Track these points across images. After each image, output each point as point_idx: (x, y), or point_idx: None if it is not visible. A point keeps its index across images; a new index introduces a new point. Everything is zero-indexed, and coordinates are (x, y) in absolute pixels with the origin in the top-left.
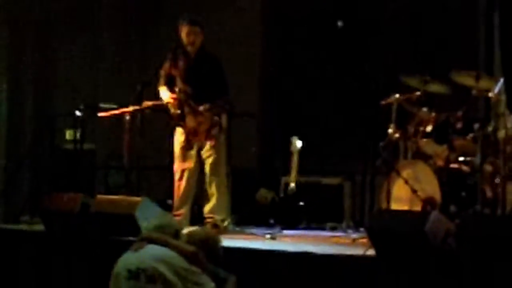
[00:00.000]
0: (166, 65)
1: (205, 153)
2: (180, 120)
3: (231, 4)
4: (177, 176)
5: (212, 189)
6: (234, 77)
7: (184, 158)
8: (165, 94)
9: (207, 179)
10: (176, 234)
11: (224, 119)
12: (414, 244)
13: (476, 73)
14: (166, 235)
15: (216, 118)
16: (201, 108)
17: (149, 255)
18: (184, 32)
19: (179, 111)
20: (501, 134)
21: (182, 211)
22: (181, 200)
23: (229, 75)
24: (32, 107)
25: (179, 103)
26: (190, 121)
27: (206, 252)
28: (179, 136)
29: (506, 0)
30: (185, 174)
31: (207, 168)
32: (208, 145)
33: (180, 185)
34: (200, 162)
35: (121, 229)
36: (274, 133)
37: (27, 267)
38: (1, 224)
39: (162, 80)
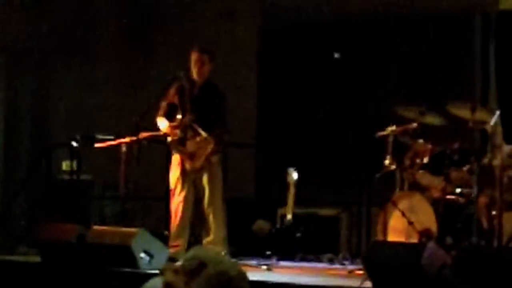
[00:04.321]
0: (170, 93)
1: (201, 185)
2: (180, 144)
3: (227, 36)
4: (173, 208)
5: (210, 222)
6: (232, 108)
7: (181, 190)
8: (163, 124)
9: (205, 212)
10: (200, 266)
11: (220, 148)
12: (411, 276)
13: (472, 104)
14: (172, 267)
15: (217, 146)
16: (204, 134)
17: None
18: (193, 59)
19: (181, 135)
20: (498, 166)
21: (179, 242)
22: (177, 231)
23: (227, 105)
24: (28, 137)
25: (183, 127)
26: (190, 146)
27: None
28: (175, 168)
29: (502, 32)
30: (181, 206)
31: (204, 200)
32: (204, 177)
33: (176, 217)
34: (197, 193)
35: (117, 260)
36: (271, 164)
37: None
38: None
39: (161, 111)
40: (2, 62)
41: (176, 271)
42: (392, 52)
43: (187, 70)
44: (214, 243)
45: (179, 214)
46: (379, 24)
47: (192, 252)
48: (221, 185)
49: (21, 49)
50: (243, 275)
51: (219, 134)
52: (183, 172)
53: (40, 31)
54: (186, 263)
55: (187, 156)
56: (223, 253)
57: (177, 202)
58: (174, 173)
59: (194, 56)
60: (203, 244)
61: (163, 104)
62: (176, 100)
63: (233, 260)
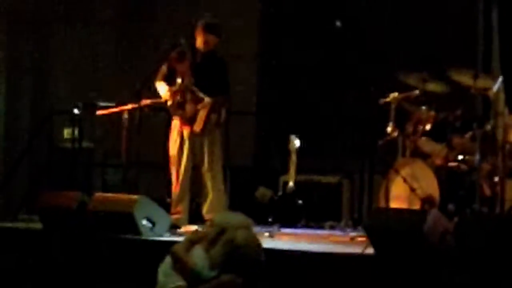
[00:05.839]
0: (171, 58)
1: (200, 151)
2: (179, 108)
3: (228, 3)
4: (173, 174)
5: (209, 188)
6: (232, 76)
7: (180, 156)
8: (163, 88)
9: (204, 178)
10: (219, 233)
11: (223, 113)
12: (413, 243)
13: (474, 71)
14: (189, 239)
15: (216, 106)
16: (203, 96)
17: None
18: (200, 36)
19: (180, 99)
20: (500, 132)
21: (180, 208)
22: (178, 198)
23: (229, 74)
24: (30, 105)
25: (183, 91)
26: (189, 109)
27: (229, 258)
28: (174, 134)
29: None
30: (181, 172)
31: (203, 166)
32: (204, 143)
33: (177, 184)
34: (195, 159)
35: (119, 227)
36: (272, 131)
37: (24, 265)
38: None
39: (160, 75)
40: (3, 29)
41: (193, 242)
42: (394, 18)
43: (190, 37)
44: (213, 210)
45: (179, 180)
46: None
47: (216, 218)
48: (221, 152)
49: (22, 14)
50: (253, 244)
51: (221, 99)
52: (182, 139)
53: None
54: (210, 230)
55: (186, 120)
56: (246, 220)
57: (176, 168)
58: (173, 140)
59: (201, 35)
60: (202, 210)
61: (163, 68)
62: (177, 65)
63: (254, 228)
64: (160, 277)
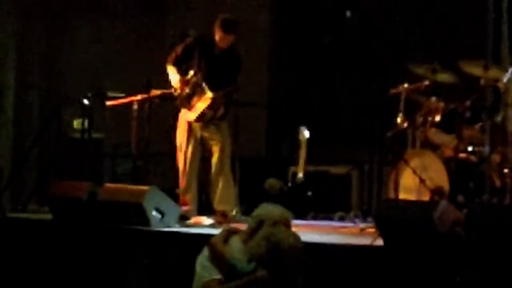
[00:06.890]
0: (190, 41)
1: (208, 142)
2: (186, 100)
3: None
4: (180, 164)
5: (218, 180)
6: (243, 67)
7: (186, 146)
8: (175, 77)
9: (213, 170)
10: (258, 225)
11: (220, 110)
12: (422, 234)
13: (484, 62)
14: (224, 233)
15: (215, 104)
16: (207, 90)
17: None
18: (218, 35)
19: (190, 91)
20: (510, 123)
21: (187, 198)
22: (184, 187)
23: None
24: (39, 96)
25: (194, 84)
26: (195, 101)
27: (267, 255)
28: (181, 124)
29: None
30: (188, 162)
31: (212, 158)
32: (211, 134)
33: (183, 174)
34: (204, 151)
35: (129, 218)
36: (282, 122)
37: (34, 255)
38: (9, 212)
39: (173, 57)
40: (13, 20)
41: (231, 233)
42: (403, 8)
43: (209, 35)
44: (223, 201)
45: (186, 170)
46: None
47: (256, 211)
48: (229, 143)
49: (32, 6)
50: (294, 242)
51: (220, 96)
52: (190, 129)
53: None
54: (250, 222)
55: (189, 110)
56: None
57: (183, 158)
58: (181, 130)
59: (219, 34)
60: (212, 202)
61: (178, 50)
62: (193, 49)
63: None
64: (198, 268)
